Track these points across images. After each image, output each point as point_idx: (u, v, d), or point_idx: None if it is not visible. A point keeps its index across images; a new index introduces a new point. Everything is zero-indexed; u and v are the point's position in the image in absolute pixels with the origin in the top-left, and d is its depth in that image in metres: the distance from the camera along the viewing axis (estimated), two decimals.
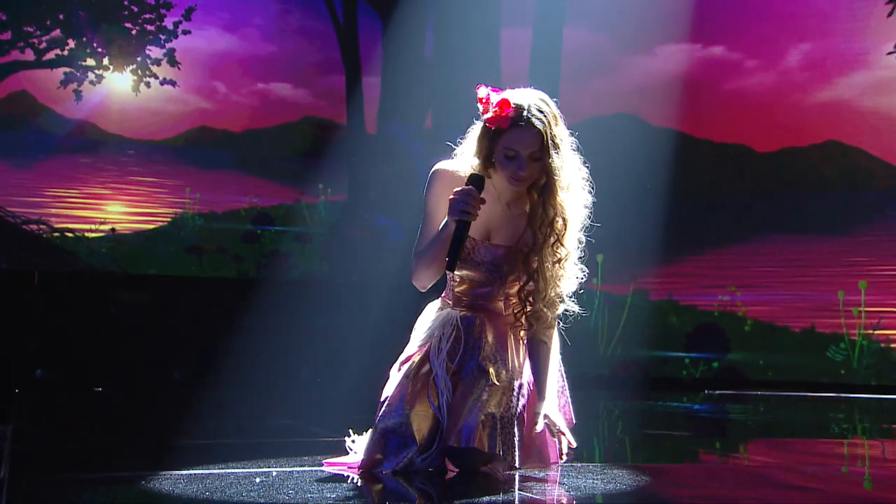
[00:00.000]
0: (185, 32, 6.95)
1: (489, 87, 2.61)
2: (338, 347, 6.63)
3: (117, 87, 6.81)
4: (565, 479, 2.63)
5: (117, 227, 6.77)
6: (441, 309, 2.80)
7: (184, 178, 6.94)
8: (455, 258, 2.56)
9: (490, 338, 2.71)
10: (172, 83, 6.90)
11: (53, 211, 6.63)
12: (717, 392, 6.19)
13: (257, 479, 2.55)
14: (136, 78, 6.84)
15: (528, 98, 2.59)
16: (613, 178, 7.29)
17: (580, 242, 2.70)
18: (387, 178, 7.46)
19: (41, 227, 6.60)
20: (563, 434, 2.58)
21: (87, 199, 6.75)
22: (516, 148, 2.57)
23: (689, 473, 3.08)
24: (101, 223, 6.74)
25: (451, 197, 2.55)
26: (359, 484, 2.53)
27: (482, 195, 2.58)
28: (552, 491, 2.52)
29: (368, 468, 2.57)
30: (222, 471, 2.70)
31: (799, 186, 6.73)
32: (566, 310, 2.72)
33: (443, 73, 7.60)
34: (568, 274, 2.68)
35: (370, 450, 2.57)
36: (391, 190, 7.46)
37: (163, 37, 6.92)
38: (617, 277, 6.89)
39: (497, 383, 2.62)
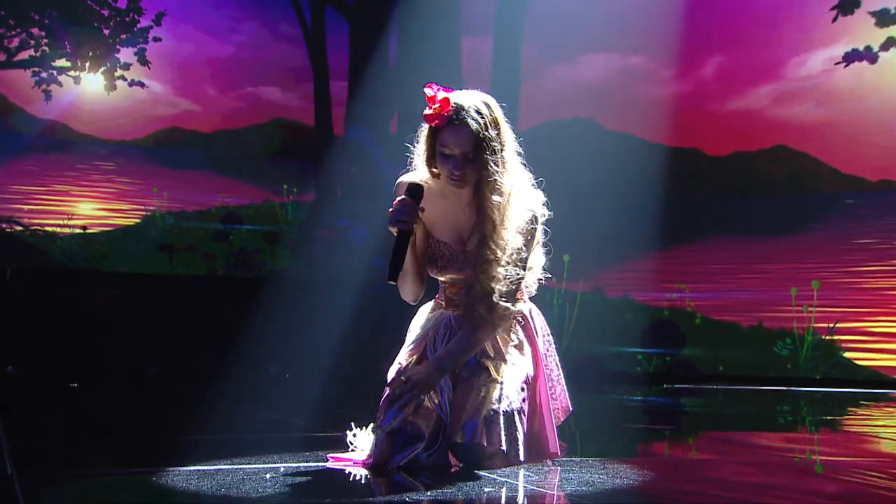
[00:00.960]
0: (156, 39, 6.96)
1: (437, 87, 2.58)
2: (305, 343, 6.66)
3: (88, 88, 6.79)
4: (572, 474, 2.61)
5: (89, 225, 6.74)
6: (434, 310, 2.80)
7: (154, 177, 6.94)
8: (395, 268, 2.55)
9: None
10: (142, 84, 6.89)
11: (25, 209, 6.60)
12: (673, 385, 6.31)
13: (267, 476, 2.52)
14: (107, 79, 6.81)
15: (469, 99, 2.58)
16: (570, 181, 7.42)
17: (519, 243, 2.64)
18: (353, 179, 7.51)
19: (13, 225, 6.56)
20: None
21: (58, 198, 6.72)
22: (450, 147, 2.56)
23: (689, 468, 3.08)
24: (73, 221, 6.71)
25: (390, 209, 2.56)
26: (368, 479, 2.52)
27: (423, 203, 2.59)
28: (566, 485, 2.49)
29: (378, 466, 2.56)
30: (230, 467, 2.66)
31: (749, 189, 6.88)
32: (504, 309, 2.64)
33: (407, 78, 7.66)
34: (498, 274, 2.61)
35: (380, 450, 2.56)
36: (357, 191, 7.51)
37: (135, 39, 6.90)
38: (576, 276, 6.99)
39: (498, 379, 2.62)
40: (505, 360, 2.67)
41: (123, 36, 6.87)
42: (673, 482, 2.77)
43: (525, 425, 2.62)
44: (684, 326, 6.82)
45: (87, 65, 6.80)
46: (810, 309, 6.45)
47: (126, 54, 6.88)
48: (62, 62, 6.72)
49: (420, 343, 2.72)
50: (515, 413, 2.59)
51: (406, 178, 2.70)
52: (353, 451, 2.73)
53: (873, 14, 6.44)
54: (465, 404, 2.57)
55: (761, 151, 6.84)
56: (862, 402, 5.38)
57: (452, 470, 2.55)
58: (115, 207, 6.87)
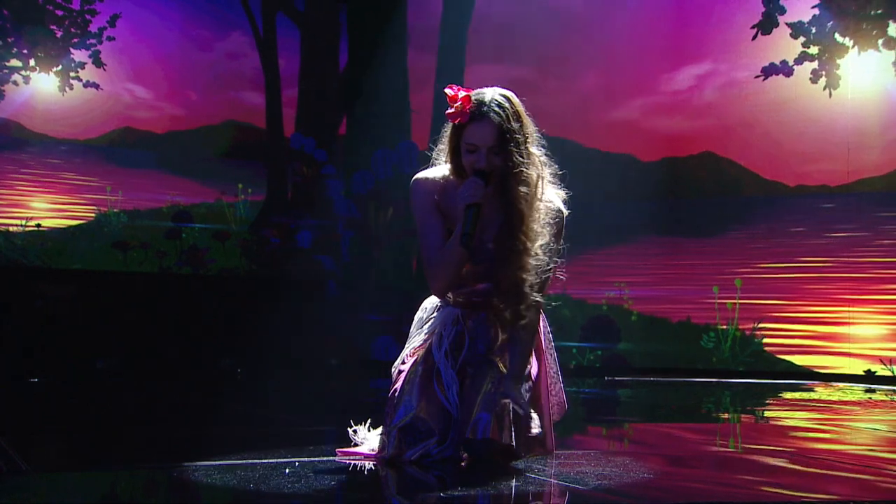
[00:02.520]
0: (110, 39, 6.88)
1: (457, 87, 2.57)
2: (255, 338, 6.66)
3: (42, 88, 6.71)
4: (585, 468, 2.58)
5: (42, 223, 6.65)
6: (441, 307, 2.74)
7: (108, 176, 6.88)
8: (470, 237, 2.50)
9: (493, 331, 2.65)
10: (96, 86, 6.81)
11: None
12: (611, 377, 6.44)
13: (287, 470, 2.49)
14: (60, 79, 6.72)
15: (489, 94, 2.57)
16: None
17: (546, 236, 2.60)
18: (306, 178, 7.51)
19: None
20: (531, 419, 2.56)
21: (11, 195, 6.62)
22: (475, 141, 2.54)
23: (690, 462, 3.03)
24: (26, 219, 6.60)
25: (459, 189, 2.52)
26: (390, 473, 2.49)
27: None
28: (588, 480, 2.45)
29: (391, 461, 2.53)
30: (243, 462, 2.60)
31: (678, 193, 7.04)
32: (534, 300, 2.60)
33: (356, 83, 7.71)
34: (528, 264, 2.57)
35: (394, 447, 2.53)
36: (306, 193, 7.52)
37: (88, 40, 6.82)
38: None
39: (501, 374, 2.57)
40: (510, 356, 2.61)
41: (76, 40, 6.79)
42: (688, 472, 2.76)
43: (529, 421, 2.57)
44: (620, 322, 6.95)
45: (41, 65, 6.70)
46: (733, 304, 6.64)
47: (80, 55, 6.79)
48: (15, 62, 6.61)
49: (426, 339, 2.67)
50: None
51: (423, 174, 2.68)
52: (356, 445, 2.72)
53: (789, 25, 6.66)
54: (475, 400, 2.52)
55: (689, 157, 7.02)
56: (779, 393, 5.56)
57: (463, 464, 2.53)
58: (69, 205, 6.79)
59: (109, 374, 6.17)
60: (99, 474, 2.55)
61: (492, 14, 7.43)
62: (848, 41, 6.56)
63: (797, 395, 5.45)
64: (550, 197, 2.66)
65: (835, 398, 5.17)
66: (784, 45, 6.70)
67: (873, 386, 5.92)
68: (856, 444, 3.44)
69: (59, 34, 6.79)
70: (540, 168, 2.63)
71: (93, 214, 6.83)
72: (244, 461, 2.61)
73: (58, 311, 6.35)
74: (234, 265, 7.25)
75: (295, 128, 7.52)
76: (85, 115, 6.84)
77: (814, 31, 6.64)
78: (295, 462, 2.61)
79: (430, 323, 2.71)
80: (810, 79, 6.59)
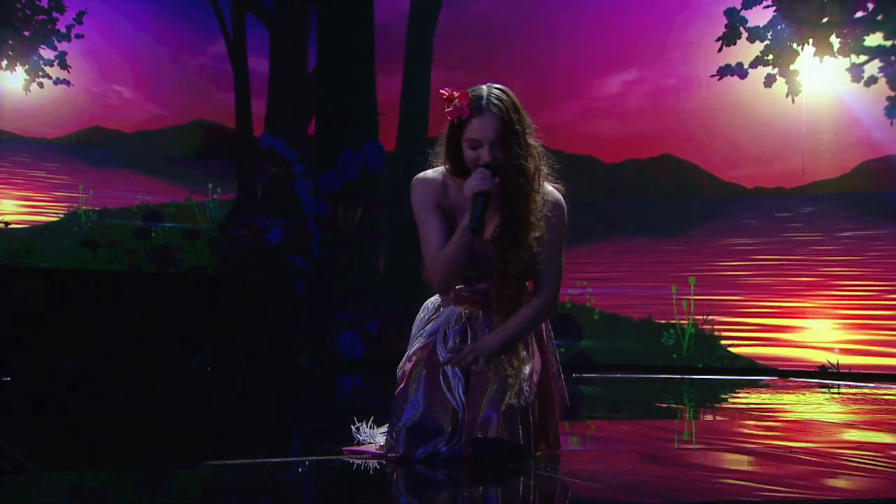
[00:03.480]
0: (79, 36, 6.80)
1: (450, 88, 2.55)
2: (225, 337, 6.62)
3: (10, 87, 6.60)
4: (599, 465, 2.58)
5: (10, 221, 6.55)
6: (442, 306, 2.71)
7: (77, 175, 6.80)
8: (480, 223, 2.46)
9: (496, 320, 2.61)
10: (66, 83, 6.73)
11: None
12: (572, 375, 6.50)
13: (300, 469, 2.48)
14: (28, 78, 6.63)
15: (485, 89, 2.55)
16: None
17: (541, 229, 2.57)
18: (275, 179, 7.49)
19: None
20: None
21: None
22: (477, 136, 2.50)
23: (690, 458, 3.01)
24: None
25: (466, 181, 2.48)
26: (392, 472, 2.46)
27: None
28: (605, 476, 2.45)
29: (402, 460, 2.50)
30: (254, 461, 2.55)
31: (639, 194, 7.11)
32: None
33: (325, 84, 7.69)
34: (522, 257, 2.54)
35: (403, 446, 2.50)
36: (275, 193, 7.49)
37: (57, 39, 6.73)
38: None
39: (510, 373, 2.54)
40: (517, 355, 2.58)
41: (43, 29, 6.69)
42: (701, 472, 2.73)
43: (536, 419, 2.57)
44: (583, 320, 7.00)
45: (9, 63, 6.60)
46: (688, 303, 6.71)
47: (49, 53, 6.71)
48: None
49: (430, 338, 2.65)
50: (528, 406, 2.53)
51: (423, 174, 2.65)
52: (359, 444, 2.70)
53: (747, 30, 6.76)
54: (481, 398, 2.50)
55: (650, 160, 7.09)
56: (736, 389, 5.63)
57: (472, 463, 2.49)
58: (38, 204, 6.70)
59: (80, 372, 6.10)
60: (108, 473, 2.51)
61: (459, 17, 7.46)
62: (802, 48, 6.67)
63: (754, 389, 5.53)
64: (548, 190, 2.64)
65: (790, 392, 5.25)
66: (742, 49, 6.80)
67: (827, 381, 6.03)
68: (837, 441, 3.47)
69: (27, 33, 6.69)
70: (538, 160, 2.60)
71: (62, 213, 6.74)
72: (253, 460, 2.56)
73: (27, 310, 6.26)
74: (204, 264, 7.20)
75: (264, 128, 7.49)
76: (53, 114, 6.75)
77: (770, 35, 6.74)
78: (306, 461, 2.57)
79: (433, 322, 2.69)
80: (764, 83, 6.70)
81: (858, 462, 2.74)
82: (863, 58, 6.53)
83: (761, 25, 6.75)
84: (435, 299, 2.75)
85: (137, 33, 7.11)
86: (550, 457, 2.61)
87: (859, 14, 6.56)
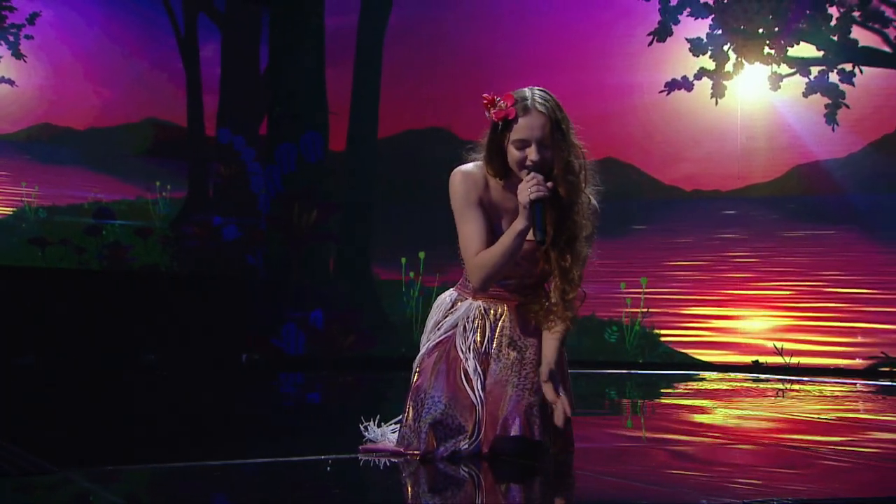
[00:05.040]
0: (28, 38, 6.64)
1: (491, 92, 2.52)
2: (177, 334, 6.53)
3: None
4: (620, 463, 2.56)
5: None
6: (458, 300, 2.66)
7: (27, 172, 6.64)
8: (544, 233, 2.42)
9: (515, 326, 2.58)
10: (12, 83, 6.57)
11: None
12: None
13: (328, 468, 2.43)
14: None
15: (528, 91, 2.51)
16: (427, 185, 7.57)
17: (589, 227, 2.57)
18: (226, 178, 7.41)
19: None
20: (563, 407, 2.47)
21: None
22: (525, 136, 2.45)
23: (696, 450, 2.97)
24: None
25: (520, 185, 2.42)
26: (413, 470, 2.40)
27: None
28: (626, 473, 2.44)
29: (425, 457, 2.45)
30: (275, 460, 2.50)
31: None
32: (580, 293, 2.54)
33: (276, 85, 7.64)
34: (579, 256, 2.54)
35: (425, 443, 2.44)
36: (228, 190, 7.42)
37: (6, 35, 6.56)
38: (430, 271, 7.14)
39: (528, 370, 2.50)
40: (535, 353, 2.54)
41: None
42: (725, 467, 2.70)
43: (549, 416, 2.51)
44: None
45: None
46: (632, 300, 6.82)
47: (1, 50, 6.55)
48: None
49: (449, 333, 2.60)
50: (546, 405, 2.49)
51: (465, 167, 2.58)
52: (370, 441, 2.66)
53: (688, 40, 6.89)
54: (499, 394, 2.47)
55: (594, 163, 7.16)
56: (674, 383, 5.74)
57: (491, 460, 2.45)
58: None
59: (28, 370, 5.96)
60: (124, 472, 2.42)
61: (410, 18, 7.47)
62: (737, 56, 6.83)
63: (693, 384, 5.64)
64: (588, 191, 2.62)
65: (725, 386, 5.37)
66: (683, 60, 6.92)
67: (760, 375, 6.19)
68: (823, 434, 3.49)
69: None
70: (582, 158, 2.57)
71: (10, 210, 6.58)
72: (273, 460, 2.50)
73: None
74: (156, 262, 7.09)
75: (216, 127, 7.40)
76: (3, 110, 6.58)
77: (710, 47, 6.88)
78: (328, 459, 2.53)
79: (449, 318, 2.63)
80: (711, 94, 6.83)
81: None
82: (789, 68, 6.71)
83: (703, 37, 6.88)
84: (447, 295, 2.70)
85: (89, 31, 6.96)
86: (566, 453, 2.58)
87: (791, 25, 6.74)
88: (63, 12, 6.82)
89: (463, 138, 8.25)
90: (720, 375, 6.13)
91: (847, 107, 6.54)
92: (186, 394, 4.86)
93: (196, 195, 7.33)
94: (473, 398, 2.47)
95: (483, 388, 2.49)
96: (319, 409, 4.41)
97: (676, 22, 6.92)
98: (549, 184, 2.45)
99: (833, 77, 6.61)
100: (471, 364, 2.51)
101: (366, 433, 2.71)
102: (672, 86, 6.93)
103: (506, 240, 2.47)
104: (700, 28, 6.89)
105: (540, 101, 2.48)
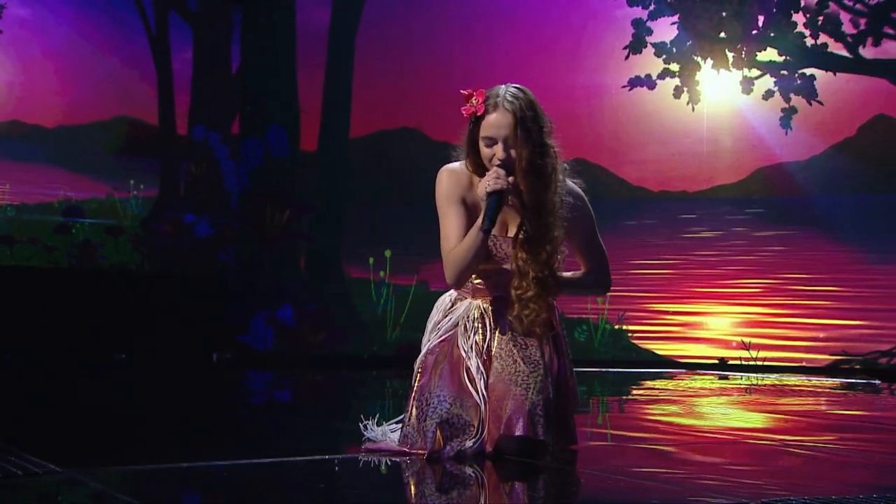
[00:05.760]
0: None
1: (470, 88, 2.52)
2: (148, 333, 6.47)
3: None
4: (622, 460, 2.55)
5: None
6: (458, 300, 2.65)
7: None
8: (492, 223, 2.40)
9: (515, 324, 2.55)
10: None
11: None
12: None
13: (336, 467, 2.41)
14: None
15: (503, 88, 2.50)
16: (399, 185, 7.59)
17: (559, 229, 2.52)
18: (196, 177, 7.34)
19: None
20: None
21: None
22: (491, 133, 2.46)
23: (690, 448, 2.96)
24: None
25: (481, 181, 2.43)
26: (418, 469, 2.37)
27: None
28: (630, 470, 2.43)
29: (431, 456, 2.42)
30: (283, 460, 2.46)
31: None
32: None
33: (247, 83, 7.59)
34: (542, 256, 2.48)
35: (432, 442, 2.41)
36: (201, 188, 7.35)
37: None
38: (403, 270, 7.14)
39: (531, 369, 2.48)
40: (538, 351, 2.53)
41: None
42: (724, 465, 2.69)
43: (553, 414, 2.50)
44: None
45: None
46: (602, 299, 6.87)
47: None
48: None
49: (450, 332, 2.58)
50: (549, 402, 2.48)
51: (451, 165, 2.60)
52: (369, 440, 2.63)
53: (653, 45, 6.97)
54: (503, 395, 2.45)
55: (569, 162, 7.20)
56: (641, 381, 5.79)
57: (495, 459, 2.43)
58: None
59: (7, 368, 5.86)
60: (125, 472, 2.37)
61: (382, 19, 7.46)
62: (703, 60, 6.91)
63: (662, 381, 5.70)
64: (569, 186, 2.60)
65: (694, 384, 5.43)
66: (649, 62, 6.99)
67: (726, 373, 6.27)
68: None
69: None
70: (555, 159, 2.54)
71: None
72: (283, 459, 2.46)
73: None
74: (127, 260, 7.01)
75: (188, 125, 7.34)
76: None
77: (674, 50, 6.96)
78: (334, 459, 2.51)
79: (450, 318, 2.61)
80: (673, 94, 6.90)
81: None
82: (756, 72, 6.80)
83: (666, 40, 6.96)
84: (447, 296, 2.69)
85: (59, 28, 6.87)
86: (569, 452, 2.57)
87: (754, 31, 6.83)
88: (32, 9, 6.72)
89: (434, 139, 8.31)
90: (688, 373, 6.20)
91: (796, 110, 6.64)
92: (160, 393, 4.82)
93: (168, 194, 7.26)
94: (477, 397, 2.45)
95: (486, 387, 2.47)
96: (292, 408, 4.40)
97: (650, 33, 6.99)
98: (511, 178, 2.44)
99: (794, 81, 6.71)
100: (473, 363, 2.49)
101: (365, 432, 2.68)
102: (634, 83, 7.00)
103: (470, 234, 2.47)
104: (665, 31, 6.97)
105: (510, 98, 2.47)
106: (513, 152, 2.46)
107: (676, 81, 6.94)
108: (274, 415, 4.02)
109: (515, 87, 2.51)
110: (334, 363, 6.86)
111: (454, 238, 2.52)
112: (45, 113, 6.77)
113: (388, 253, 7.14)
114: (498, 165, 2.45)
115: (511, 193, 2.48)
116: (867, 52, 6.59)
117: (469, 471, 2.33)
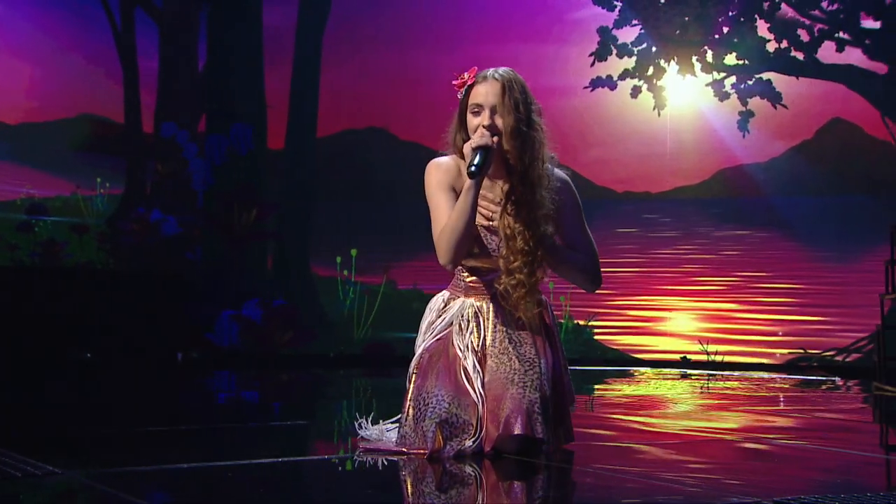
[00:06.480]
0: None
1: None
2: (112, 331, 6.37)
3: None
4: (613, 458, 2.53)
5: None
6: (451, 299, 2.62)
7: None
8: (478, 168, 2.35)
9: (511, 322, 2.52)
10: None
11: None
12: None
13: (339, 467, 2.38)
14: None
15: (495, 68, 2.54)
16: (366, 184, 7.56)
17: (548, 206, 2.48)
18: (163, 175, 7.24)
19: None
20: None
21: None
22: (480, 101, 2.48)
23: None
24: None
25: (467, 143, 2.42)
26: (415, 469, 2.33)
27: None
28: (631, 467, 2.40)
29: (432, 456, 2.38)
30: (278, 460, 2.42)
31: None
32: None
33: (214, 80, 7.51)
34: (533, 216, 2.44)
35: (433, 441, 2.38)
36: (167, 186, 7.26)
37: None
38: (370, 269, 7.12)
39: (526, 367, 2.45)
40: (532, 347, 2.49)
41: None
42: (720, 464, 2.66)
43: (550, 411, 2.47)
44: None
45: None
46: (565, 298, 6.92)
47: None
48: None
49: (445, 331, 2.55)
50: (547, 399, 2.45)
51: (437, 159, 2.58)
52: (364, 439, 2.61)
53: (615, 46, 7.04)
54: (501, 394, 2.42)
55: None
56: (605, 378, 5.83)
57: (493, 457, 2.40)
58: None
59: None
60: (127, 473, 2.30)
61: (349, 19, 7.44)
62: (667, 64, 7.00)
63: (624, 379, 5.74)
64: (556, 175, 2.57)
65: (656, 382, 5.48)
66: (611, 64, 7.06)
67: (688, 370, 6.35)
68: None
69: None
70: (542, 135, 2.52)
71: None
72: (281, 459, 2.42)
73: None
74: (91, 258, 6.89)
75: (154, 123, 7.24)
76: None
77: (636, 51, 7.04)
78: (333, 458, 2.48)
79: (444, 318, 2.58)
80: (630, 94, 6.99)
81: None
82: (718, 75, 6.90)
83: (629, 41, 7.04)
84: (440, 296, 2.66)
85: (23, 25, 6.73)
86: (567, 449, 2.56)
87: (717, 35, 6.93)
88: None
89: (401, 138, 8.25)
90: (653, 371, 6.27)
91: (753, 114, 6.76)
92: (125, 392, 4.74)
93: (134, 192, 7.15)
94: (474, 396, 2.43)
95: (482, 386, 2.45)
96: (264, 408, 4.36)
97: (615, 41, 7.06)
98: (495, 138, 2.43)
99: (753, 85, 6.83)
100: (470, 362, 2.47)
101: (360, 431, 2.66)
102: (596, 83, 7.06)
103: (460, 198, 2.43)
104: (627, 34, 7.05)
105: (501, 72, 2.52)
106: (498, 119, 2.47)
107: (636, 82, 7.02)
108: (241, 415, 3.97)
109: (508, 69, 2.55)
110: (301, 362, 6.82)
111: (445, 222, 2.47)
112: (9, 110, 6.63)
113: (353, 252, 7.12)
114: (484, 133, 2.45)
115: (497, 160, 2.46)
116: (825, 57, 6.73)
117: (469, 470, 2.31)
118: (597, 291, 2.67)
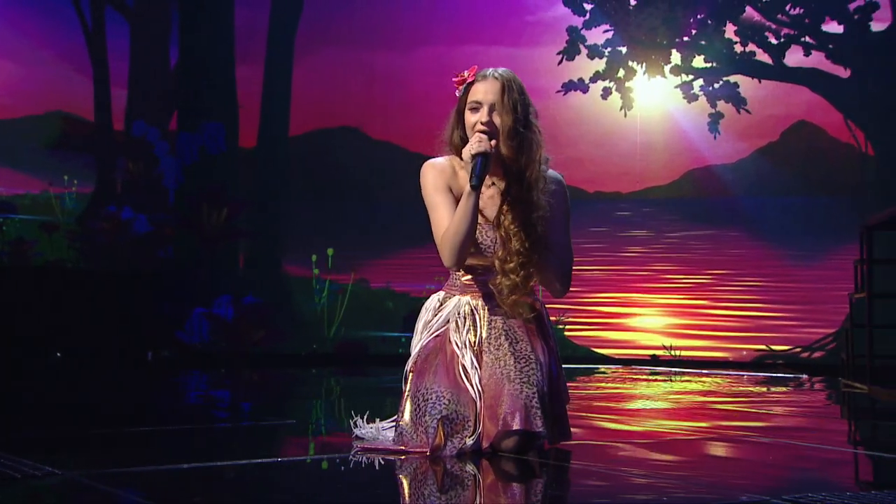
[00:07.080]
0: None
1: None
2: (83, 331, 6.28)
3: None
4: (618, 454, 2.53)
5: None
6: (447, 299, 2.62)
7: None
8: (479, 178, 2.37)
9: (506, 319, 2.52)
10: None
11: None
12: None
13: (341, 467, 2.35)
14: None
15: (495, 68, 2.56)
16: (338, 183, 7.53)
17: (544, 208, 2.48)
18: (133, 173, 7.15)
19: None
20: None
21: None
22: (479, 98, 2.48)
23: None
24: None
25: (465, 148, 2.43)
26: (416, 467, 2.31)
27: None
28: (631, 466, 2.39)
29: (433, 454, 2.37)
30: (275, 460, 2.40)
31: None
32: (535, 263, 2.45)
33: (185, 79, 7.44)
34: (529, 233, 2.45)
35: (434, 439, 2.37)
36: (138, 184, 7.17)
37: None
38: (342, 268, 7.10)
39: (523, 363, 2.45)
40: (528, 344, 2.50)
41: None
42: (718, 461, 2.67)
43: (548, 408, 2.46)
44: None
45: None
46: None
47: None
48: None
49: (442, 329, 2.55)
50: (544, 396, 2.44)
51: (432, 161, 2.59)
52: (359, 438, 2.59)
53: (586, 47, 7.09)
54: (498, 391, 2.41)
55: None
56: (577, 377, 5.86)
57: (491, 454, 2.40)
58: None
59: None
60: (128, 474, 2.25)
61: (321, 19, 7.41)
62: (637, 66, 7.05)
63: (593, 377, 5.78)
64: (551, 173, 2.59)
65: (627, 380, 5.52)
66: (583, 66, 7.10)
67: (657, 368, 6.41)
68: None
69: None
70: (539, 137, 2.54)
71: None
72: (281, 459, 2.41)
73: None
74: (61, 257, 6.78)
75: (125, 121, 7.14)
76: None
77: (607, 53, 7.09)
78: (335, 458, 2.45)
79: (440, 316, 2.58)
80: (601, 95, 7.04)
81: None
82: (686, 77, 6.97)
83: (600, 44, 7.09)
84: (435, 297, 2.66)
85: None
86: (565, 447, 2.55)
87: (685, 38, 7.00)
88: None
89: (374, 138, 8.22)
90: (623, 369, 6.31)
91: (723, 115, 6.84)
92: (95, 391, 4.68)
93: (104, 190, 7.05)
94: (472, 392, 2.42)
95: (481, 384, 2.45)
96: (239, 408, 4.32)
97: (584, 41, 7.10)
98: (493, 142, 2.44)
99: (721, 87, 6.91)
100: (468, 359, 2.47)
101: (355, 430, 2.64)
102: (568, 87, 7.10)
103: (461, 202, 2.43)
104: (597, 35, 7.09)
105: (501, 71, 2.53)
106: (496, 117, 2.47)
107: (606, 83, 7.07)
108: (238, 415, 3.94)
109: (505, 70, 2.56)
110: (273, 361, 6.77)
111: (446, 224, 2.48)
112: None
113: (330, 251, 7.08)
114: (481, 131, 2.46)
115: (494, 159, 2.46)
116: (790, 60, 6.83)
117: (469, 468, 2.30)
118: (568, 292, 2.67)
